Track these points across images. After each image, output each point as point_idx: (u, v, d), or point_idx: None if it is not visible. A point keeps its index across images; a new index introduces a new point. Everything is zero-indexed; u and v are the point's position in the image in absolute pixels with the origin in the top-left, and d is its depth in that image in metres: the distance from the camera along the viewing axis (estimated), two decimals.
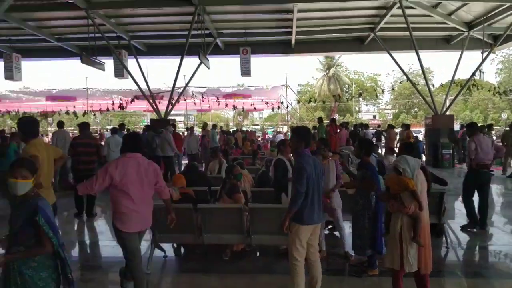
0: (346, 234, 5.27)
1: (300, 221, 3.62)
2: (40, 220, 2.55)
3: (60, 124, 10.41)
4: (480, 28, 12.78)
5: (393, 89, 32.75)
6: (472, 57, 27.91)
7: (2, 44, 14.01)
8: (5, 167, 3.93)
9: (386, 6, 11.71)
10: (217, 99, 19.49)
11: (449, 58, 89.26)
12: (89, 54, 11.68)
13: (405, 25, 11.77)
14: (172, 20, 12.51)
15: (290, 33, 13.65)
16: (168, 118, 14.19)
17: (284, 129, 20.88)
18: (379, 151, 14.43)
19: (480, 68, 14.37)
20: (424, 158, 14.13)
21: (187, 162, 14.01)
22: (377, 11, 12.31)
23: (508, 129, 12.56)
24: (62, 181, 9.14)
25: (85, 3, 10.27)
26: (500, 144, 11.44)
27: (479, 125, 7.23)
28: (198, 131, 20.21)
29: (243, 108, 22.24)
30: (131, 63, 14.45)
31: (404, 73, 15.40)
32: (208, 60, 12.91)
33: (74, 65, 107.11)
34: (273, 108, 21.01)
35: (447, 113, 14.60)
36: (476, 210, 6.39)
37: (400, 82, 34.82)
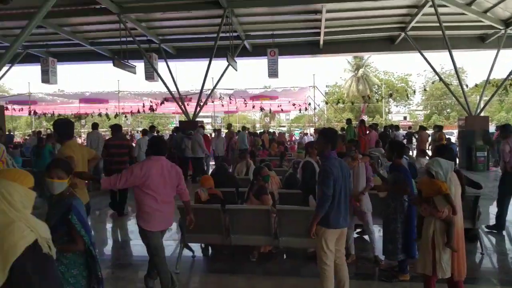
0: (376, 238, 5.18)
1: (326, 225, 3.56)
2: (72, 218, 2.62)
3: (94, 126, 10.80)
4: None
5: (424, 90, 31.99)
6: (509, 55, 26.80)
7: (39, 49, 14.62)
8: (41, 167, 4.11)
9: (417, 4, 11.43)
10: (244, 100, 19.60)
11: (484, 57, 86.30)
12: (121, 57, 12.00)
13: (438, 24, 11.43)
14: (201, 23, 12.68)
15: (318, 34, 13.55)
16: (196, 119, 14.40)
17: (311, 130, 20.67)
18: (410, 153, 14.09)
19: None
20: (457, 160, 13.68)
21: (213, 163, 14.20)
22: (408, 10, 12.03)
23: None
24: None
25: (117, 8, 10.57)
26: None
27: None
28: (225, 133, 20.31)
29: (270, 109, 22.22)
30: (161, 66, 14.76)
31: (436, 73, 14.96)
32: (235, 62, 13.00)
33: (106, 68, 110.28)
34: (300, 110, 20.93)
35: (482, 114, 14.07)
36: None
37: (432, 83, 33.91)
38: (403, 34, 13.57)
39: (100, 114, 21.88)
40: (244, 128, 17.74)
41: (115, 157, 7.70)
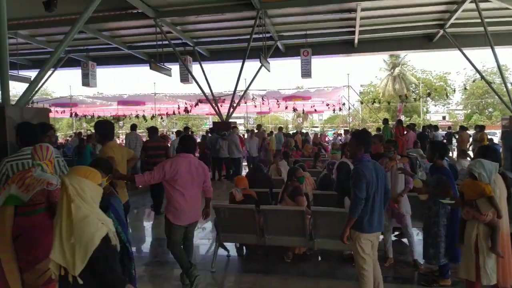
0: (415, 241, 5.03)
1: (360, 229, 3.47)
2: (109, 215, 2.70)
3: (133, 127, 11.18)
4: None
5: (465, 88, 30.67)
6: None
7: (80, 53, 15.25)
8: None
9: (457, 0, 10.99)
10: (277, 101, 19.59)
11: None
12: (157, 60, 12.30)
13: (479, 20, 10.94)
14: (234, 25, 12.79)
15: (352, 33, 13.33)
16: (229, 120, 14.53)
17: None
18: (450, 154, 13.58)
19: None
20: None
21: (246, 164, 14.28)
22: (447, 7, 11.60)
23: None
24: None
25: (153, 12, 10.84)
26: None
27: None
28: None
29: (303, 110, 22.07)
30: (195, 68, 15.01)
31: (478, 71, 14.33)
32: (268, 63, 13.01)
33: (143, 71, 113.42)
34: (334, 110, 20.65)
35: None
36: None
37: (473, 81, 32.48)
38: (441, 31, 13.10)
39: (137, 116, 22.55)
40: (280, 128, 17.78)
41: (153, 158, 7.90)
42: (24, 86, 13.96)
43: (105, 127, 4.52)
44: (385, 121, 14.10)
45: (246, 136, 16.71)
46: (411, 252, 4.99)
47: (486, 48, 12.18)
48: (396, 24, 12.96)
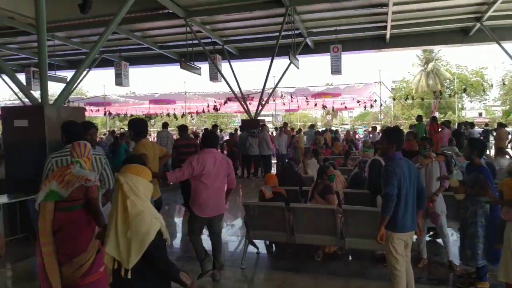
0: (450, 241, 4.87)
1: (393, 229, 3.39)
2: None
3: (165, 125, 11.42)
4: None
5: (503, 84, 29.36)
6: None
7: (113, 54, 15.68)
8: (117, 164, 4.43)
9: None
10: (306, 98, 19.40)
11: None
12: (187, 60, 12.47)
13: None
14: (263, 23, 12.76)
15: (384, 28, 13.01)
16: (257, 118, 14.56)
17: (377, 128, 19.88)
18: (487, 152, 13.04)
19: None
20: None
21: (275, 161, 14.26)
22: None
23: None
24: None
25: (183, 12, 10.99)
26: None
27: None
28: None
29: (332, 107, 21.77)
30: (224, 66, 15.12)
31: None
32: (297, 60, 12.92)
33: (173, 70, 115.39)
34: (365, 107, 20.24)
35: None
36: None
37: None
38: (478, 25, 12.57)
39: (168, 114, 22.97)
40: (312, 126, 17.67)
41: (183, 155, 8.02)
42: (59, 85, 14.56)
43: (138, 125, 4.64)
44: (419, 118, 13.70)
45: (274, 133, 16.70)
46: (446, 253, 4.85)
47: None
48: (430, 18, 12.54)
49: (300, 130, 18.60)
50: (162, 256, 2.19)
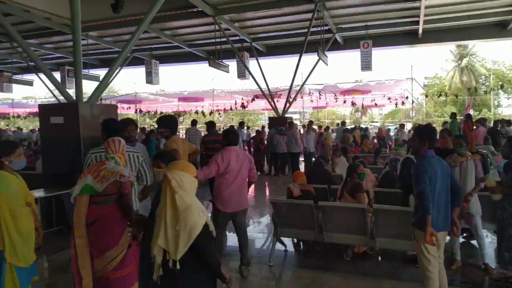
0: (485, 243, 4.69)
1: (423, 228, 3.27)
2: None
3: (194, 122, 11.59)
4: None
5: None
6: None
7: (143, 52, 15.99)
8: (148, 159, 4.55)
9: None
10: (335, 95, 19.13)
11: None
12: (216, 57, 12.55)
13: None
14: (291, 20, 12.66)
15: (416, 23, 12.63)
16: (285, 115, 14.49)
17: (409, 126, 19.35)
18: None
19: None
20: None
21: (302, 159, 14.16)
22: None
23: None
24: None
25: (212, 10, 11.06)
26: None
27: None
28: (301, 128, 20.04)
29: (362, 104, 21.36)
30: (252, 63, 15.13)
31: None
32: (326, 56, 12.74)
33: (202, 68, 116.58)
34: (396, 104, 19.74)
35: None
36: None
37: None
38: None
39: (196, 112, 23.23)
40: (343, 123, 17.47)
41: (210, 151, 8.10)
42: (91, 83, 14.97)
43: (171, 122, 4.72)
44: (453, 115, 13.24)
45: (302, 131, 16.59)
46: (481, 255, 4.67)
47: None
48: (465, 11, 12.07)
49: (328, 127, 18.41)
50: (208, 248, 2.27)
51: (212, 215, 4.62)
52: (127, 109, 24.77)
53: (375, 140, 15.32)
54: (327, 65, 12.85)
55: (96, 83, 6.92)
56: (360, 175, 5.13)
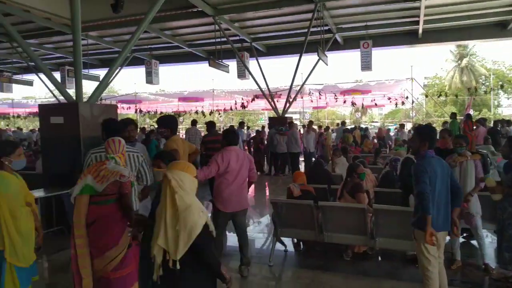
0: (485, 243, 4.69)
1: (423, 228, 3.28)
2: None
3: (193, 122, 11.59)
4: None
5: None
6: None
7: (143, 52, 15.99)
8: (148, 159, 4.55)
9: None
10: (335, 95, 19.12)
11: None
12: (215, 57, 12.55)
13: None
14: (291, 20, 12.66)
15: (416, 23, 12.63)
16: (285, 116, 14.48)
17: (409, 126, 19.31)
18: None
19: None
20: None
21: (302, 159, 14.16)
22: None
23: None
24: None
25: (212, 10, 11.06)
26: None
27: None
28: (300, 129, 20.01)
29: (362, 104, 21.35)
30: (252, 63, 15.12)
31: None
32: (326, 56, 12.74)
33: (202, 68, 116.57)
34: (396, 104, 19.74)
35: None
36: None
37: None
38: None
39: (196, 112, 23.22)
40: (343, 123, 17.49)
41: (211, 151, 8.10)
42: (90, 83, 14.97)
43: (171, 122, 4.72)
44: (453, 115, 13.24)
45: (302, 131, 16.59)
46: (481, 255, 4.67)
47: None
48: (465, 11, 12.07)
49: (328, 127, 18.40)
50: (208, 248, 2.28)
51: (212, 215, 4.63)
52: (127, 109, 24.75)
53: (375, 140, 15.30)
54: (327, 65, 12.86)
55: (96, 83, 6.92)
56: (360, 175, 5.13)
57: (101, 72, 14.90)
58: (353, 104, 21.01)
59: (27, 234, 3.30)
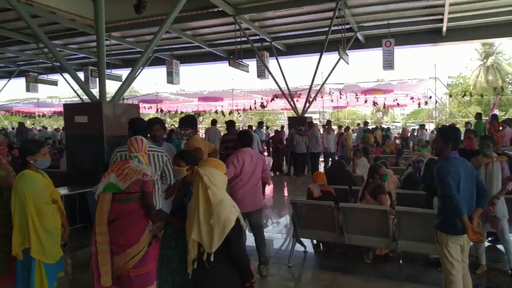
0: None
1: (447, 231, 3.21)
2: (185, 201, 2.83)
3: (213, 122, 11.68)
4: None
5: None
6: None
7: (165, 53, 16.18)
8: None
9: None
10: (356, 95, 18.88)
11: None
12: (235, 57, 12.59)
13: None
14: (312, 19, 12.59)
15: (440, 20, 12.36)
16: (304, 115, 14.40)
17: (431, 126, 18.92)
18: None
19: None
20: None
21: (322, 159, 14.04)
22: None
23: None
24: None
25: (233, 10, 11.10)
26: None
27: None
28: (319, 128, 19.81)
29: (384, 104, 21.00)
30: (271, 63, 15.10)
31: None
32: (347, 55, 12.61)
33: (222, 68, 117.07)
34: (419, 104, 19.33)
35: None
36: None
37: None
38: None
39: (216, 111, 23.35)
40: (366, 123, 17.30)
41: (230, 150, 8.12)
42: (111, 83, 15.22)
43: (192, 122, 4.77)
44: (478, 115, 12.89)
45: (322, 131, 16.48)
46: (508, 260, 4.53)
47: None
48: (491, 8, 11.72)
49: (348, 127, 18.20)
50: (240, 242, 2.34)
51: None
52: (148, 108, 25.11)
53: (397, 141, 15.06)
54: (348, 64, 12.71)
55: (117, 83, 7.05)
56: (382, 176, 5.05)
57: (123, 72, 15.13)
58: (374, 103, 20.69)
59: (53, 230, 3.37)
